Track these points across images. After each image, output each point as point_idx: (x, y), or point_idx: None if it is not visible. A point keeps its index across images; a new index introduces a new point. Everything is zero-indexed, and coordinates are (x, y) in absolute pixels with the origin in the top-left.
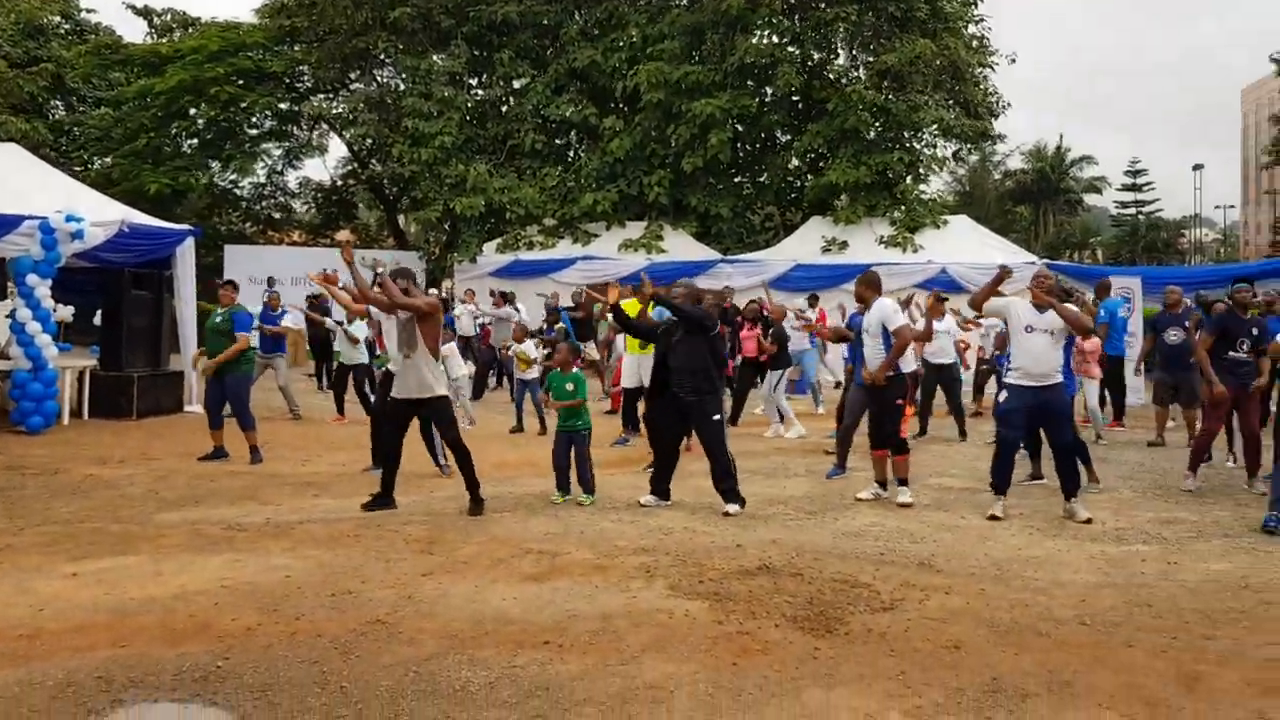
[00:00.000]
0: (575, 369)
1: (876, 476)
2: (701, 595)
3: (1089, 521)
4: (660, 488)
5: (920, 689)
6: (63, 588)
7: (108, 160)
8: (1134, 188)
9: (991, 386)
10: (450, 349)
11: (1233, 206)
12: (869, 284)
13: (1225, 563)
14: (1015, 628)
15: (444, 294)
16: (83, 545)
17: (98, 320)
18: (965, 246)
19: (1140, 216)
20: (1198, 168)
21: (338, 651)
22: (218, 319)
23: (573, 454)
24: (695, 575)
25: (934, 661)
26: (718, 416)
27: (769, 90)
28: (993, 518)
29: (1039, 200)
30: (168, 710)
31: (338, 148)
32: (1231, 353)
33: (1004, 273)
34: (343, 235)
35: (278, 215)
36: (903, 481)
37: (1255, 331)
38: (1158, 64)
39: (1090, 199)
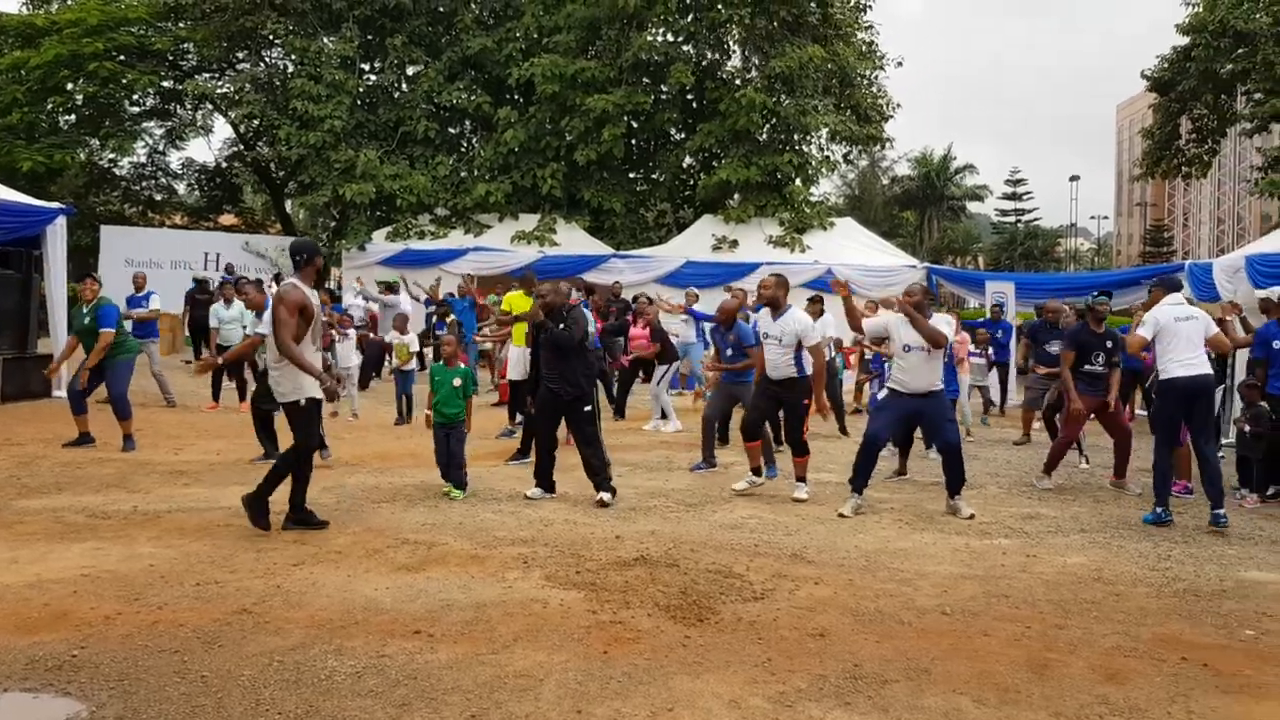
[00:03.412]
0: (462, 364)
1: (751, 465)
2: (577, 585)
3: (972, 518)
4: (544, 480)
5: (784, 675)
6: None
7: None
8: (1014, 196)
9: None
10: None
11: (1107, 217)
12: (785, 287)
13: (1081, 556)
14: (879, 616)
15: (332, 283)
16: None
17: None
18: (851, 248)
19: (1019, 225)
20: (1074, 179)
21: (200, 641)
22: (85, 318)
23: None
24: (573, 566)
25: (799, 649)
26: (589, 408)
27: (663, 88)
28: (841, 516)
29: (924, 206)
30: (17, 699)
31: (223, 129)
32: (1088, 366)
33: (841, 289)
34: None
35: (159, 197)
36: (801, 479)
37: (1109, 344)
38: (1041, 78)
39: (973, 206)
